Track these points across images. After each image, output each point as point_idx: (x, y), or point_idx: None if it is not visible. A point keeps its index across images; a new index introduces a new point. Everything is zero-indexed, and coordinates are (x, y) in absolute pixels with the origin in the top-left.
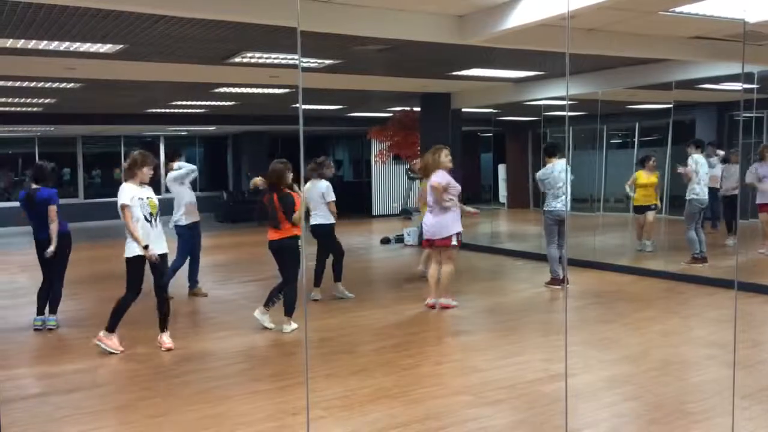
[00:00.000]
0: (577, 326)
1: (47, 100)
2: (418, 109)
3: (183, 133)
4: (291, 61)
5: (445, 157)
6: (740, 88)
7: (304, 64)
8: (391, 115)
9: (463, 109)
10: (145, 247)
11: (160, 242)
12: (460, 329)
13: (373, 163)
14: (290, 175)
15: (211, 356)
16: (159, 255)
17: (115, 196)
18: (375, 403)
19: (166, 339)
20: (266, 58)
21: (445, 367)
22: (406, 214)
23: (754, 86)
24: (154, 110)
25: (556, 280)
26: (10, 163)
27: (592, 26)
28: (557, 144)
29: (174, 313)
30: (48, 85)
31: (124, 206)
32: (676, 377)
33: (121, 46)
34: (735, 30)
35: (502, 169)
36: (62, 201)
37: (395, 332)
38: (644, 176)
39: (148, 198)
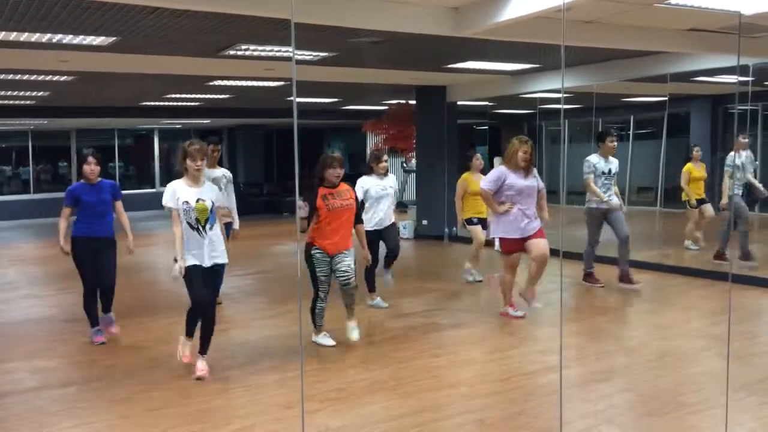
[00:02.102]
0: (573, 318)
1: (40, 93)
2: (414, 102)
3: (177, 126)
4: (285, 54)
5: (523, 153)
6: (735, 80)
7: (299, 57)
8: (386, 108)
9: (459, 102)
10: (176, 260)
11: (210, 252)
12: (455, 322)
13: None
14: None
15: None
16: (209, 267)
17: None
18: (371, 395)
19: (200, 364)
20: (261, 50)
21: (441, 360)
22: (401, 207)
23: (749, 79)
24: (148, 103)
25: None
26: (3, 157)
27: (588, 18)
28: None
29: (167, 307)
30: (41, 78)
31: (166, 208)
32: (671, 369)
33: (114, 38)
34: (730, 22)
35: (497, 162)
36: (56, 195)
37: (391, 325)
38: (695, 169)
39: (198, 200)
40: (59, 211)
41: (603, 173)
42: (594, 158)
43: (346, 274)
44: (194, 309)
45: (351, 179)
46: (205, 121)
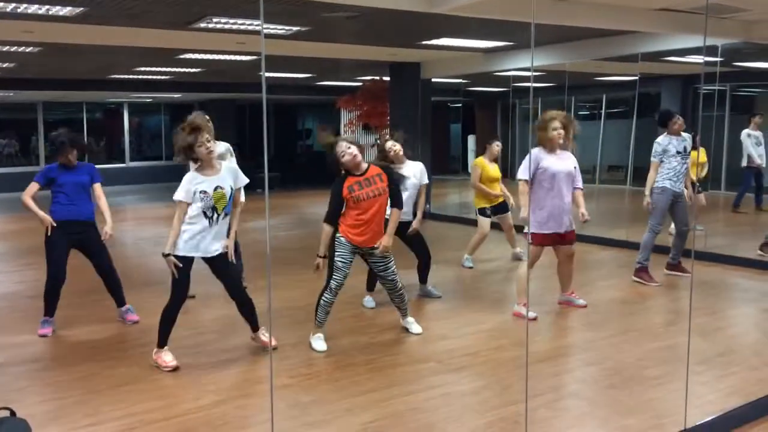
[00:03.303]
0: (540, 295)
1: (5, 64)
2: (388, 78)
3: (147, 100)
4: (257, 27)
5: (552, 131)
6: (702, 60)
7: (271, 31)
8: (360, 84)
9: (433, 79)
10: (165, 255)
11: (216, 242)
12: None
13: (342, 132)
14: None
15: (177, 327)
16: (217, 255)
17: None
18: (340, 371)
19: (263, 336)
20: (232, 23)
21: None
22: None
23: (717, 59)
24: (117, 76)
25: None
26: None
27: None
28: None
29: (140, 283)
30: (5, 48)
31: (178, 202)
32: (634, 344)
33: (81, 8)
34: (700, 2)
35: (471, 139)
36: (21, 169)
37: (361, 302)
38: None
39: (216, 189)
40: (23, 185)
41: (678, 152)
42: (663, 139)
43: (387, 272)
44: (171, 304)
45: (323, 156)
46: (175, 95)
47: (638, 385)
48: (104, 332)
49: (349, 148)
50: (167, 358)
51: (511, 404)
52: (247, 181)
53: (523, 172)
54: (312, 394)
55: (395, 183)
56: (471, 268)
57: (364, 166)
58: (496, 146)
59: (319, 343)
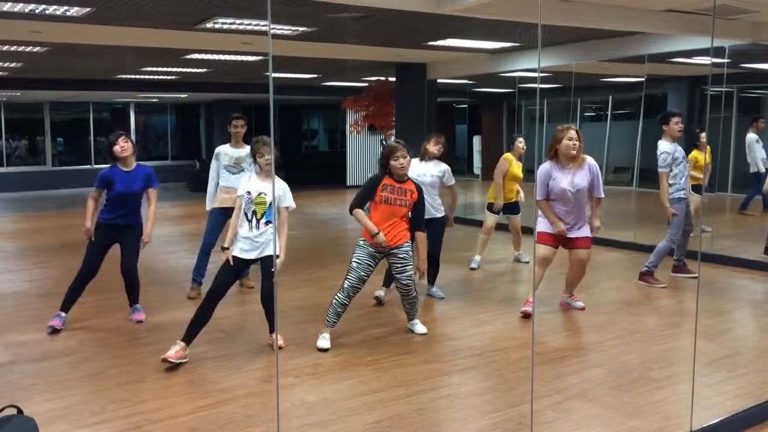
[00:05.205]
0: (546, 296)
1: (13, 64)
2: (394, 79)
3: (154, 100)
4: (263, 28)
5: (568, 140)
6: (710, 62)
7: (278, 31)
8: (366, 85)
9: (439, 80)
10: (223, 249)
11: (257, 246)
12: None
13: (348, 133)
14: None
15: (182, 325)
16: (255, 259)
17: (83, 163)
18: (346, 370)
19: (274, 337)
20: (238, 24)
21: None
22: None
23: (725, 60)
24: (123, 76)
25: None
26: None
27: None
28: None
29: (146, 282)
30: (13, 48)
31: (238, 197)
32: (640, 345)
33: (88, 9)
34: (706, 4)
35: (477, 140)
36: (30, 168)
37: (368, 302)
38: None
39: (260, 193)
40: (32, 185)
41: (681, 161)
42: (668, 146)
43: (403, 274)
44: (208, 299)
45: (329, 156)
46: (182, 95)
47: (644, 386)
48: (111, 331)
49: (405, 157)
50: (171, 351)
51: (516, 405)
52: (293, 206)
53: (537, 194)
54: (317, 393)
55: (422, 205)
56: (474, 269)
57: (406, 177)
58: (519, 143)
59: (323, 341)
